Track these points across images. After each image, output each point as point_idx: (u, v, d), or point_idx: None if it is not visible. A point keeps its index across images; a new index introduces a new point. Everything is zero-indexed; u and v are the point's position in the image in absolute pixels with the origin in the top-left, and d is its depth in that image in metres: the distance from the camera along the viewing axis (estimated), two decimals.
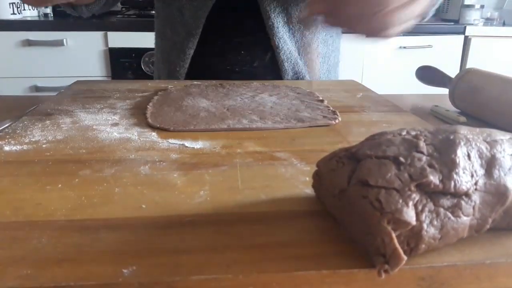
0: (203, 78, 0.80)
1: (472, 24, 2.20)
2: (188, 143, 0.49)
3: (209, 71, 0.79)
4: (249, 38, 0.84)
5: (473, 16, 2.24)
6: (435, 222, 0.27)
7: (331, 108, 0.62)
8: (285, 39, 0.82)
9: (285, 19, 0.81)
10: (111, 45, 1.85)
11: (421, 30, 2.10)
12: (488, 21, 2.35)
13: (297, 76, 0.86)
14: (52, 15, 2.09)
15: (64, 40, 1.83)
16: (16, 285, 0.25)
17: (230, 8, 0.82)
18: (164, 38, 0.89)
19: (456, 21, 2.30)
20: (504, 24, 2.31)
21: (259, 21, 0.81)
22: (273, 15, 0.79)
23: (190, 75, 0.86)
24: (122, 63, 1.87)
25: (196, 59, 0.84)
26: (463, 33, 2.11)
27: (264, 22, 0.80)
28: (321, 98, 0.67)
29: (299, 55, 0.85)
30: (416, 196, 0.27)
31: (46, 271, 0.26)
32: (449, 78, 0.70)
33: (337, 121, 0.57)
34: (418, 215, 0.27)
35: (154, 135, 0.51)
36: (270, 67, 0.85)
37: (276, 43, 0.82)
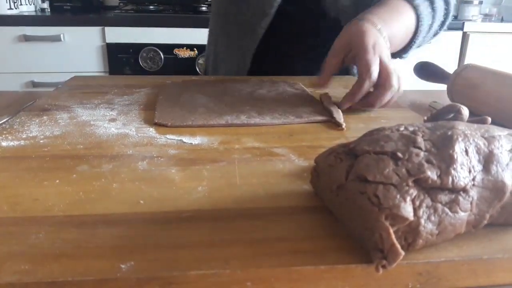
0: (271, 62, 0.80)
1: (470, 20, 2.20)
2: (186, 139, 0.49)
3: (278, 54, 0.78)
4: (319, 24, 0.83)
5: (471, 12, 2.24)
6: (432, 218, 0.28)
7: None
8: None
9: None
10: (108, 40, 1.85)
11: None
12: (486, 17, 2.35)
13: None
14: (49, 10, 2.08)
15: (61, 36, 1.82)
16: (14, 280, 0.25)
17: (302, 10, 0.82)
18: (234, 20, 0.86)
19: (455, 17, 2.30)
20: (502, 20, 2.31)
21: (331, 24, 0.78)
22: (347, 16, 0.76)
23: (259, 59, 0.85)
24: (120, 59, 1.86)
25: (265, 43, 0.83)
26: (462, 29, 2.11)
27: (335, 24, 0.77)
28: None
29: None
30: (413, 192, 0.28)
31: (44, 266, 0.26)
32: (447, 74, 0.70)
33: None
34: (415, 210, 0.27)
35: (152, 131, 0.51)
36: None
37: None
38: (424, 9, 0.66)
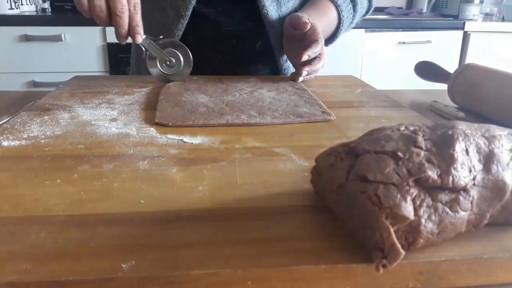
0: (194, 67, 0.80)
1: (471, 20, 2.20)
2: (186, 139, 0.49)
3: (199, 58, 0.79)
4: (240, 26, 0.85)
5: (472, 11, 2.23)
6: (433, 217, 0.28)
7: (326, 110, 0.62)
8: (276, 26, 0.84)
9: (276, 7, 0.84)
10: (109, 40, 1.85)
11: (420, 25, 2.09)
12: (487, 16, 2.34)
13: (287, 60, 0.89)
14: (50, 10, 2.08)
15: (62, 35, 1.82)
16: (15, 279, 0.25)
17: None
18: (150, 23, 0.87)
19: (456, 17, 2.30)
20: (503, 20, 2.31)
21: (249, 10, 0.82)
22: (267, 3, 0.81)
23: None
24: (121, 59, 1.86)
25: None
26: (462, 28, 2.11)
27: (255, 11, 0.82)
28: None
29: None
30: (414, 191, 0.28)
31: (45, 266, 0.26)
32: (448, 73, 0.70)
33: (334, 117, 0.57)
34: (416, 210, 0.27)
35: (152, 131, 0.51)
36: (260, 54, 0.88)
37: (268, 30, 0.83)
38: (346, 11, 0.85)
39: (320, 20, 0.79)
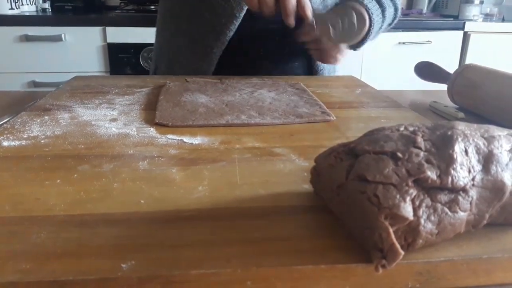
0: (236, 64, 0.80)
1: (471, 20, 2.20)
2: (186, 139, 0.49)
3: (243, 57, 0.79)
4: (283, 24, 0.84)
5: (472, 11, 2.23)
6: (432, 217, 0.28)
7: (325, 110, 0.62)
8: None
9: (319, 2, 0.83)
10: (109, 40, 1.85)
11: (420, 25, 2.09)
12: (487, 17, 2.34)
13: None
14: (50, 10, 2.08)
15: (63, 36, 1.82)
16: (15, 279, 0.25)
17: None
18: (195, 22, 0.86)
19: (456, 17, 2.30)
20: (503, 20, 2.31)
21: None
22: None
23: (223, 61, 0.85)
24: (121, 59, 1.86)
25: (231, 44, 0.84)
26: (462, 28, 2.11)
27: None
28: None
29: None
30: (413, 192, 0.28)
31: (45, 265, 0.26)
32: (448, 74, 0.70)
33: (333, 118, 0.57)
34: (415, 210, 0.27)
35: (152, 131, 0.51)
36: (299, 52, 0.87)
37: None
38: (376, 15, 0.81)
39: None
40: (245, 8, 0.80)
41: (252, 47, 0.86)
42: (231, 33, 0.82)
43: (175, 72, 0.89)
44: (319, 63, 0.90)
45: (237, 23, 0.81)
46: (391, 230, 0.26)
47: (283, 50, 0.87)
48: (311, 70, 0.91)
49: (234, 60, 0.80)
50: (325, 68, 0.91)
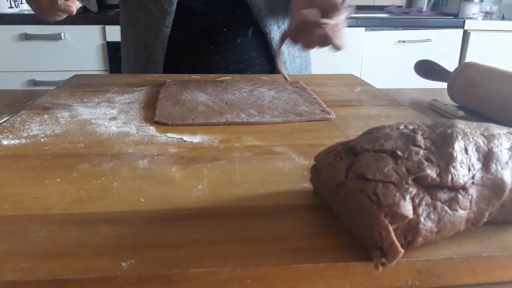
0: (185, 61, 0.79)
1: (471, 18, 2.20)
2: (186, 137, 0.49)
3: (190, 52, 0.79)
4: (228, 16, 0.84)
5: (472, 10, 2.23)
6: (432, 216, 0.28)
7: (325, 108, 0.62)
8: (263, 9, 0.83)
9: None
10: (109, 39, 1.85)
11: (420, 24, 2.09)
12: (487, 15, 2.34)
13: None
14: None
15: (62, 34, 1.82)
16: (15, 278, 0.25)
17: None
18: (137, 26, 0.88)
19: (456, 15, 2.30)
20: (503, 18, 2.31)
21: None
22: None
23: (171, 58, 0.85)
24: (120, 57, 1.86)
25: (175, 42, 0.84)
26: (462, 27, 2.11)
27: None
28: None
29: (278, 27, 0.87)
30: (413, 190, 0.28)
31: (44, 264, 0.26)
32: (448, 72, 0.70)
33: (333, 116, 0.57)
34: (415, 208, 0.27)
35: (152, 129, 0.51)
36: (253, 42, 0.86)
37: (256, 15, 0.82)
38: None
39: None
40: (175, 2, 0.79)
41: (201, 43, 0.84)
42: (168, 30, 0.82)
43: (133, 70, 0.91)
44: (277, 47, 0.84)
45: (170, 18, 0.81)
46: (391, 229, 0.26)
47: (234, 43, 0.85)
48: (271, 57, 0.87)
49: (185, 59, 0.79)
50: (286, 52, 0.87)
